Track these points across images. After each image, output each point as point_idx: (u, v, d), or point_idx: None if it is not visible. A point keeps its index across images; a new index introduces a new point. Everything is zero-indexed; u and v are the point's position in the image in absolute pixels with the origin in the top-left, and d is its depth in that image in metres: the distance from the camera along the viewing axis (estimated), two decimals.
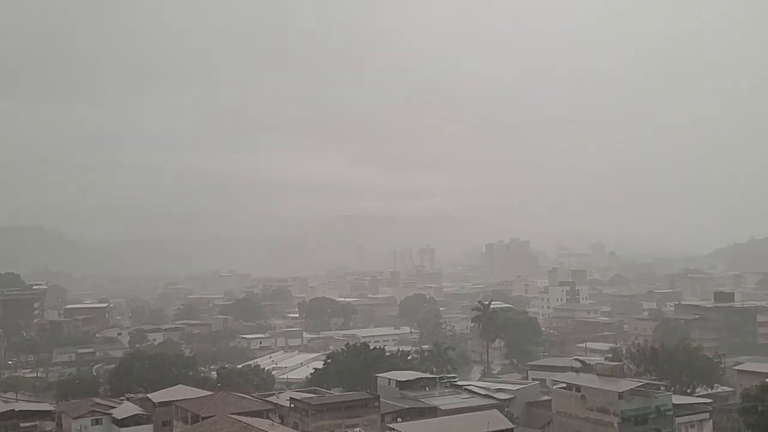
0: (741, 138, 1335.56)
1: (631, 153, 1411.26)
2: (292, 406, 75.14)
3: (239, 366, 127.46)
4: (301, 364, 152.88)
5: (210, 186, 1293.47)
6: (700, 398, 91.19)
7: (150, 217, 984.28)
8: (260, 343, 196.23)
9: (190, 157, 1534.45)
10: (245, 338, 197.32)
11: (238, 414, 62.94)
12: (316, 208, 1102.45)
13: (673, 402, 78.58)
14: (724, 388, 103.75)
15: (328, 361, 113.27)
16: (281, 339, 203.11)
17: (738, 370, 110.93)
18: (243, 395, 77.48)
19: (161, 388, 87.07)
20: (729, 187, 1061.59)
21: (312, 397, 78.52)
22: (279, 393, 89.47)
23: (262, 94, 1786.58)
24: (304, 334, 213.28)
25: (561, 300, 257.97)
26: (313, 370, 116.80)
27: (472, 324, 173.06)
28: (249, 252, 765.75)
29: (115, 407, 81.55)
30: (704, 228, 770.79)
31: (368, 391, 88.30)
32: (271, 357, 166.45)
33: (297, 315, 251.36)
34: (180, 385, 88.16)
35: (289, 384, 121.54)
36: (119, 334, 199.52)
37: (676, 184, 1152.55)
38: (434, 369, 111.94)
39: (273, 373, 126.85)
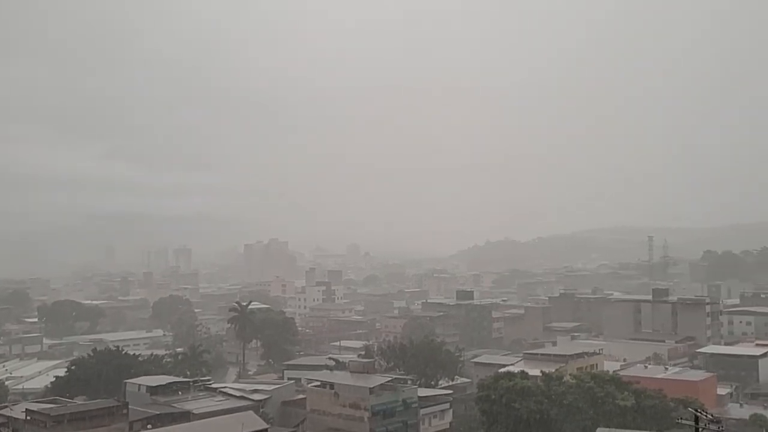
0: (475, 153, 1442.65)
1: (383, 158, 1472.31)
2: (28, 418, 69.21)
3: None
4: (40, 372, 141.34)
5: None
6: (442, 390, 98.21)
7: None
8: None
9: None
10: None
11: None
12: (63, 205, 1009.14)
13: (419, 395, 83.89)
14: (463, 379, 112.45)
15: (72, 368, 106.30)
16: (17, 346, 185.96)
17: (475, 362, 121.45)
18: None
19: None
20: (470, 195, 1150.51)
21: (51, 408, 72.97)
22: (13, 405, 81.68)
23: (6, 81, 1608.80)
24: (45, 340, 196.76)
25: (317, 300, 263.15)
26: (54, 379, 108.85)
27: (229, 325, 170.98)
28: None
29: None
30: (448, 231, 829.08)
31: (116, 398, 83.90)
32: (4, 366, 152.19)
33: (36, 320, 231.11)
34: None
35: (25, 395, 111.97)
36: None
37: (423, 194, 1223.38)
38: (188, 372, 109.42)
39: (7, 383, 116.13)
